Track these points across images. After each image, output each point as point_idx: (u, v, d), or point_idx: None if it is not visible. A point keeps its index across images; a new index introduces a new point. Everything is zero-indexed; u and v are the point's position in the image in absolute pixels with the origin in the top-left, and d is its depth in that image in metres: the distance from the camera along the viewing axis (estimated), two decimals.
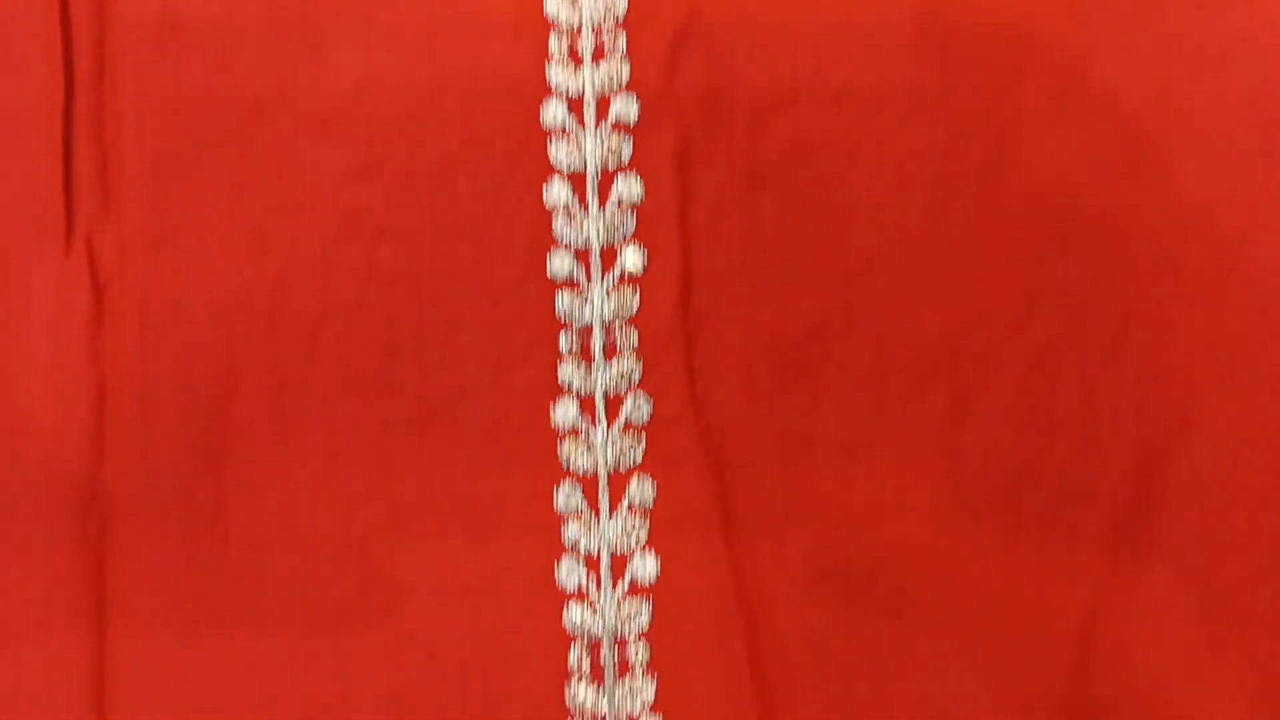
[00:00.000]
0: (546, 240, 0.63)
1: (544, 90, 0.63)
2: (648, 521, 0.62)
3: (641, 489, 0.62)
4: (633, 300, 0.63)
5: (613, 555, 0.62)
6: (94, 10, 0.63)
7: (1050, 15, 0.63)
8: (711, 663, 0.61)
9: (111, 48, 0.63)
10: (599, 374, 0.63)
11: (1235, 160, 0.63)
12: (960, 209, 0.63)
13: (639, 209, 0.63)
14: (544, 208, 0.63)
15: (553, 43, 0.63)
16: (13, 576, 0.62)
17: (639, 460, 0.63)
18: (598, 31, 0.63)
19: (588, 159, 0.63)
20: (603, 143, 0.63)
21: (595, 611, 0.61)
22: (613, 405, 0.63)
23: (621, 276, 0.63)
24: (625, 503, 0.62)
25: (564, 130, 0.63)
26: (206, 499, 0.62)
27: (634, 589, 0.62)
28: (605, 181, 0.63)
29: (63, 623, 0.61)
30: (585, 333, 0.63)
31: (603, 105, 0.63)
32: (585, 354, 0.63)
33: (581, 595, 0.62)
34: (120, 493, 0.62)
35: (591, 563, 0.62)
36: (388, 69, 0.63)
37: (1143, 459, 0.62)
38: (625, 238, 0.63)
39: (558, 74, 0.63)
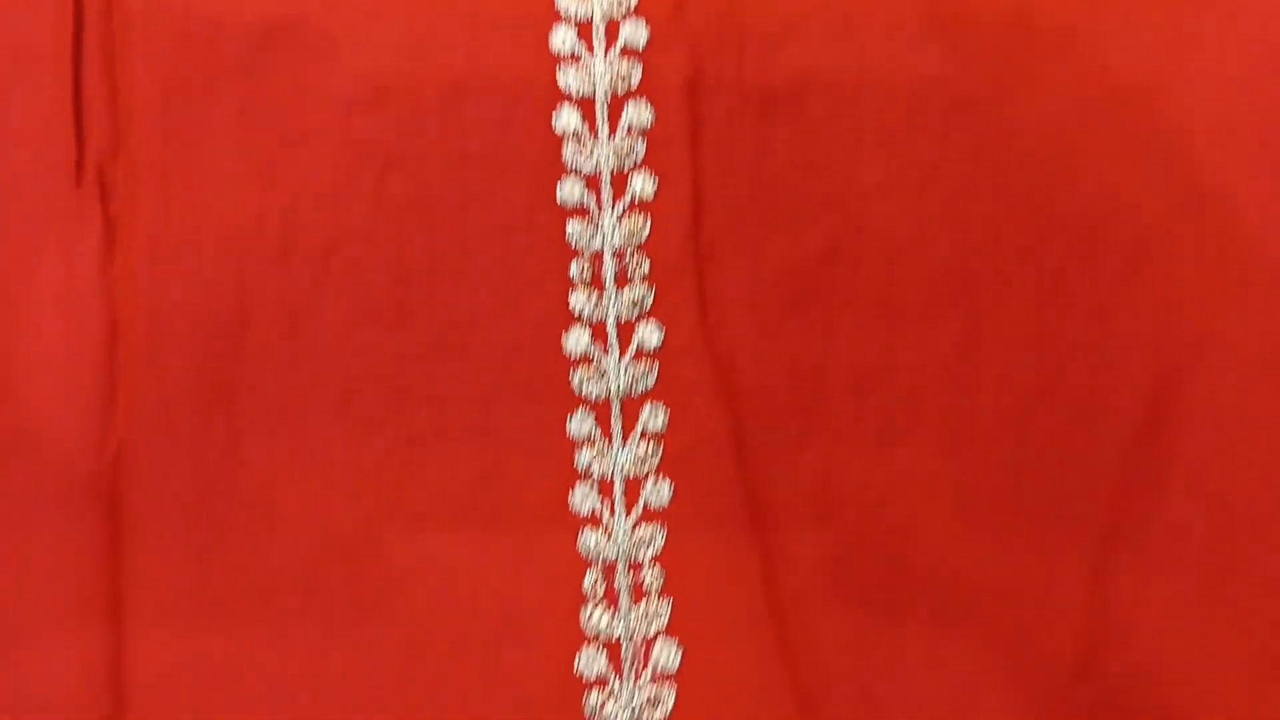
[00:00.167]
0: (556, 167, 0.63)
1: (553, 15, 0.63)
2: (660, 448, 0.62)
3: (654, 416, 0.62)
4: (643, 227, 0.63)
5: (626, 481, 0.62)
6: None
7: None
8: (726, 586, 0.61)
9: None
10: (610, 301, 0.63)
11: (1247, 86, 0.62)
12: (971, 135, 0.62)
13: (649, 135, 0.63)
14: (553, 134, 0.63)
15: None
16: (27, 500, 0.62)
17: (651, 387, 0.63)
18: None
19: (597, 85, 0.63)
20: (612, 68, 0.63)
21: (609, 537, 0.61)
22: (624, 332, 0.63)
23: (632, 203, 0.63)
24: (638, 429, 0.62)
25: (573, 56, 0.63)
26: (220, 430, 0.62)
27: (647, 514, 0.62)
28: (615, 107, 0.63)
29: (74, 564, 0.61)
30: (596, 260, 0.63)
31: (612, 30, 0.63)
32: (596, 281, 0.63)
33: (595, 520, 0.62)
34: (133, 425, 0.62)
35: (605, 488, 0.62)
36: None
37: (1156, 383, 0.62)
38: (635, 164, 0.63)
39: None
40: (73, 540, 0.61)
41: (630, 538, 0.61)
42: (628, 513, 0.62)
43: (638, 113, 0.63)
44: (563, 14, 0.63)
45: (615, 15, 0.63)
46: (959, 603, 0.61)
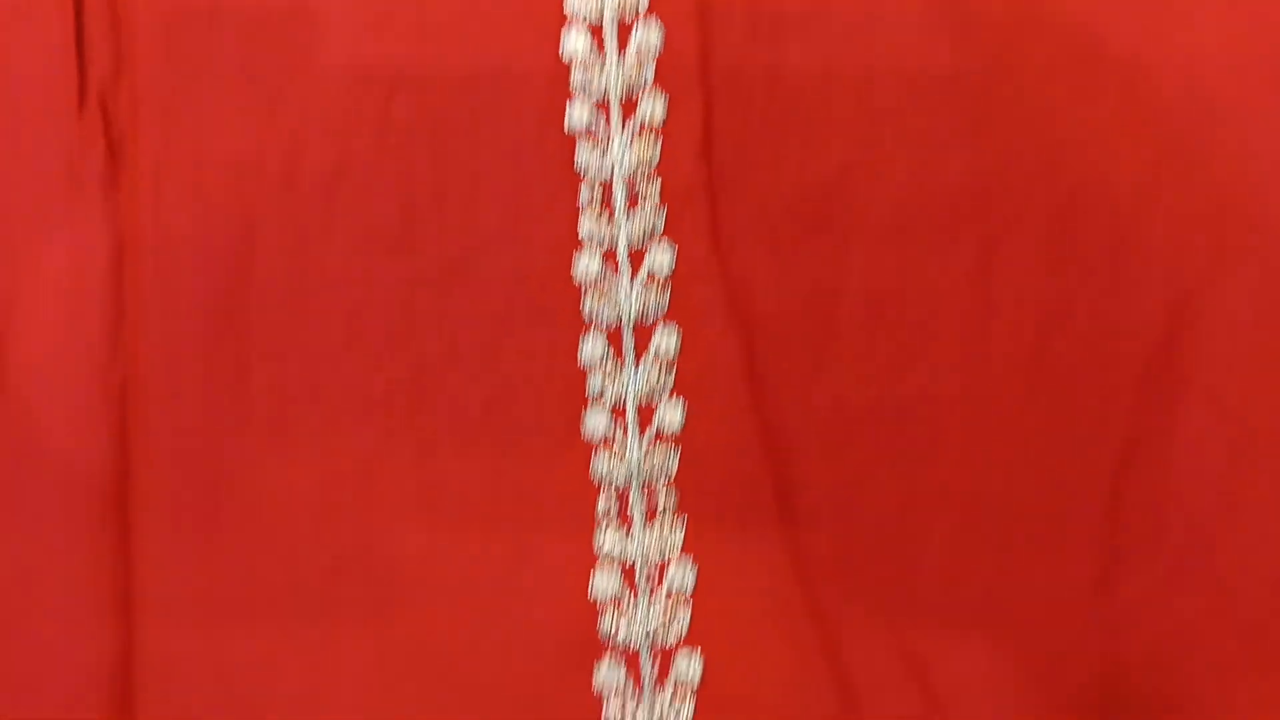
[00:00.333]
0: (564, 91, 0.62)
1: None
2: (673, 372, 0.61)
3: (666, 340, 0.61)
4: (654, 150, 0.62)
5: (639, 405, 0.61)
6: None
7: None
8: (740, 507, 0.60)
9: None
10: (621, 226, 0.62)
11: (1255, 13, 0.61)
12: (986, 55, 0.62)
13: (659, 58, 0.62)
14: (561, 57, 0.62)
15: None
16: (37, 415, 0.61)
17: (663, 311, 0.62)
18: None
19: (605, 6, 0.62)
20: None
21: (622, 460, 0.61)
22: (636, 257, 0.62)
23: (642, 126, 0.62)
24: (650, 353, 0.61)
25: None
26: (228, 358, 0.61)
27: (660, 437, 0.61)
28: (624, 29, 0.62)
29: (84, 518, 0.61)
30: (606, 185, 0.62)
31: None
32: (606, 206, 0.62)
33: (608, 444, 0.61)
34: (140, 354, 0.61)
35: (617, 413, 0.61)
36: None
37: (1174, 300, 0.61)
38: (645, 87, 0.62)
39: None
40: (80, 463, 0.60)
41: (643, 461, 0.61)
42: (641, 436, 0.61)
43: (647, 35, 0.62)
44: None
45: None
46: (976, 523, 0.61)
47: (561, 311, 0.62)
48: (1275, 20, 0.62)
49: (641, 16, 0.62)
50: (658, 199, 0.62)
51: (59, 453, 0.60)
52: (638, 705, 0.59)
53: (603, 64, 0.62)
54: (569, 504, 0.61)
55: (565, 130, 0.62)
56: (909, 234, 0.62)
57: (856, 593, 0.60)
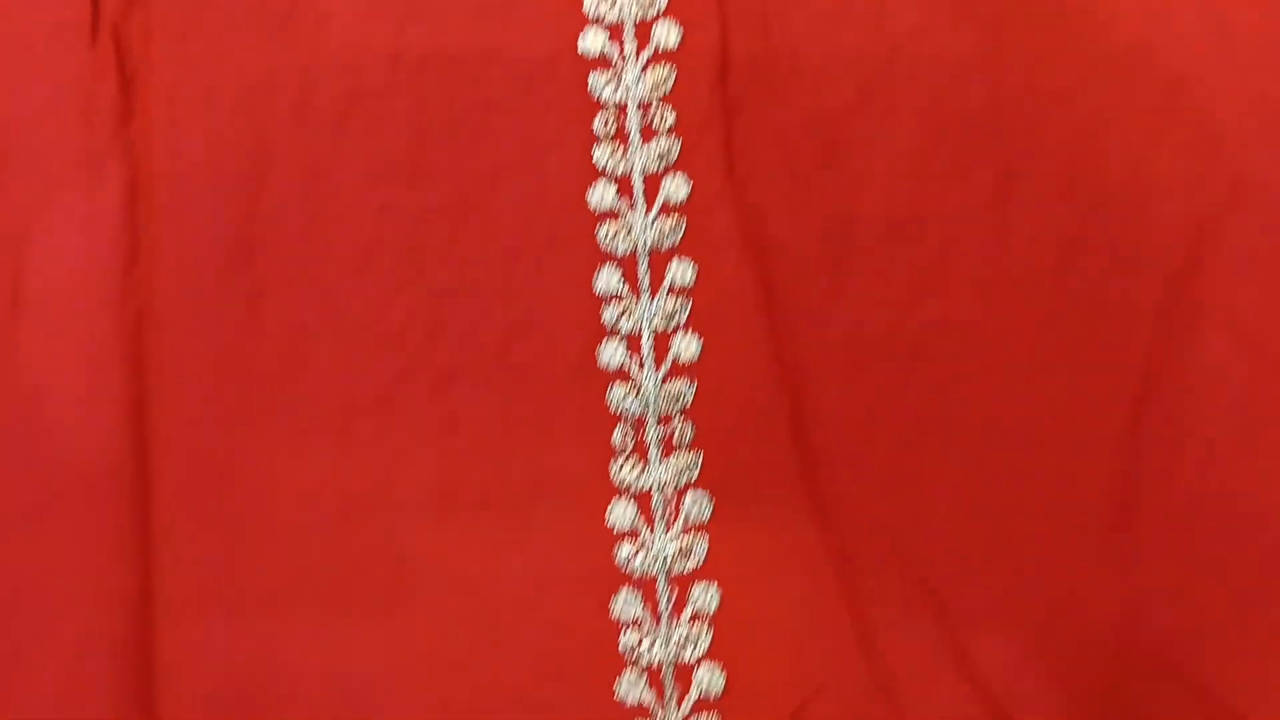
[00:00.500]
0: (578, 18, 0.62)
1: None
2: (689, 302, 0.61)
3: (682, 270, 0.61)
4: (668, 78, 0.62)
5: (654, 336, 0.61)
6: None
7: None
8: (756, 439, 0.60)
9: None
10: (636, 155, 0.62)
11: None
12: None
13: None
14: None
15: None
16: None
17: (679, 241, 0.62)
18: None
19: None
20: None
21: (638, 391, 0.61)
22: (651, 186, 0.62)
23: (656, 53, 0.62)
24: (666, 284, 0.61)
25: None
26: (242, 289, 0.61)
27: (676, 369, 0.61)
28: None
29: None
30: (620, 112, 0.62)
31: None
32: (621, 135, 0.62)
33: (624, 375, 0.61)
34: (154, 285, 0.61)
35: (633, 344, 0.61)
36: None
37: (1193, 227, 0.60)
38: (659, 13, 0.62)
39: None
40: (96, 395, 0.61)
41: (659, 392, 0.61)
42: (657, 367, 0.61)
43: None
44: None
45: None
46: (992, 455, 0.60)
47: (577, 242, 0.62)
48: None
49: None
50: (673, 127, 0.62)
51: (73, 384, 0.61)
52: (655, 635, 0.59)
53: None
54: (586, 435, 0.61)
55: (579, 57, 0.62)
56: (926, 162, 0.61)
57: (872, 524, 0.60)
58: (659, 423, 0.61)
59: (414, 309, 0.61)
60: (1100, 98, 0.61)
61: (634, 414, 0.61)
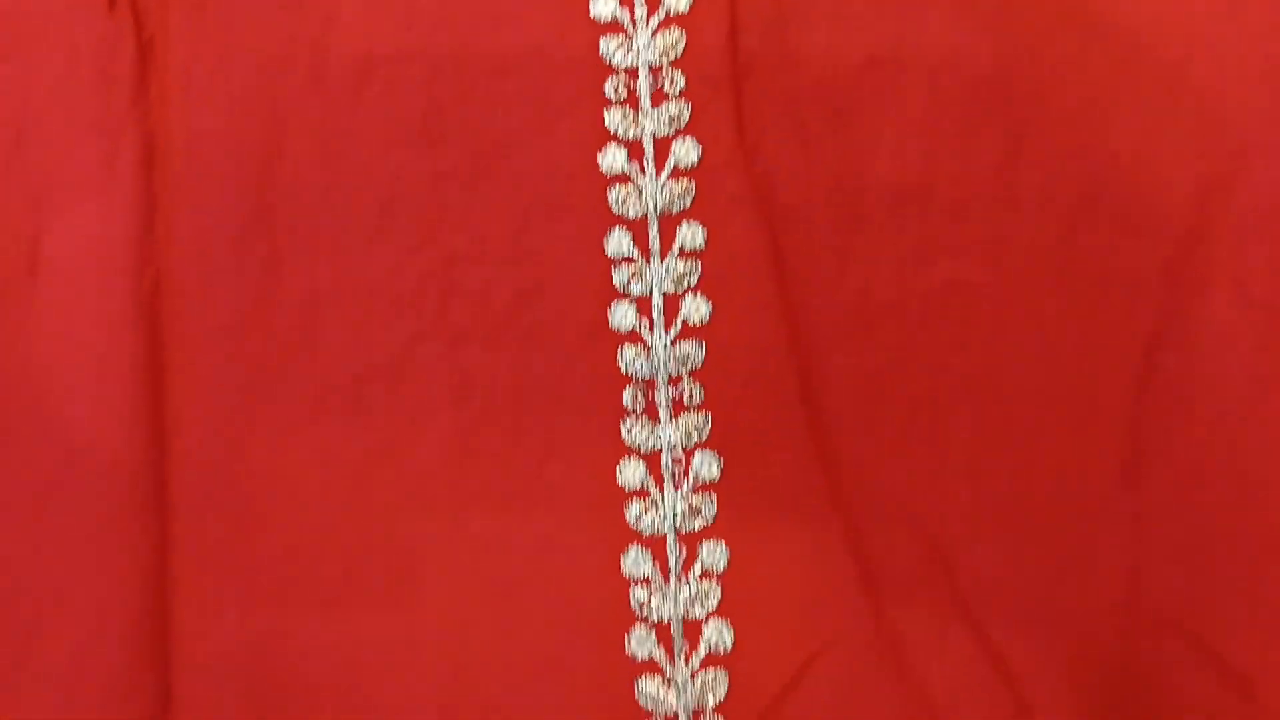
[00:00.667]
0: None
1: None
2: (699, 265, 0.62)
3: (692, 233, 0.62)
4: (679, 42, 0.62)
5: (665, 298, 0.62)
6: None
7: None
8: (765, 401, 0.61)
9: None
10: (646, 119, 0.62)
11: None
12: None
13: None
14: None
15: None
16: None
17: (689, 205, 0.62)
18: None
19: None
20: None
21: (648, 353, 0.61)
22: (661, 150, 0.62)
23: (667, 17, 0.62)
24: (676, 247, 0.62)
25: None
26: (259, 254, 0.62)
27: (686, 331, 0.62)
28: None
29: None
30: (631, 76, 0.62)
31: None
32: (632, 99, 0.62)
33: (635, 337, 0.62)
34: (171, 252, 0.62)
35: (644, 306, 0.62)
36: None
37: (1201, 190, 0.61)
38: None
39: None
40: (112, 361, 0.61)
41: (669, 354, 0.61)
42: (667, 329, 0.62)
43: None
44: None
45: None
46: (1003, 413, 0.61)
47: (588, 205, 0.62)
48: None
49: None
50: (683, 90, 0.62)
51: (90, 351, 0.61)
52: (664, 592, 0.60)
53: None
54: (596, 396, 0.61)
55: (590, 21, 0.62)
56: (935, 127, 0.62)
57: (880, 484, 0.60)
58: (669, 384, 0.61)
59: (427, 273, 0.62)
60: (1108, 63, 0.61)
61: (644, 375, 0.61)
